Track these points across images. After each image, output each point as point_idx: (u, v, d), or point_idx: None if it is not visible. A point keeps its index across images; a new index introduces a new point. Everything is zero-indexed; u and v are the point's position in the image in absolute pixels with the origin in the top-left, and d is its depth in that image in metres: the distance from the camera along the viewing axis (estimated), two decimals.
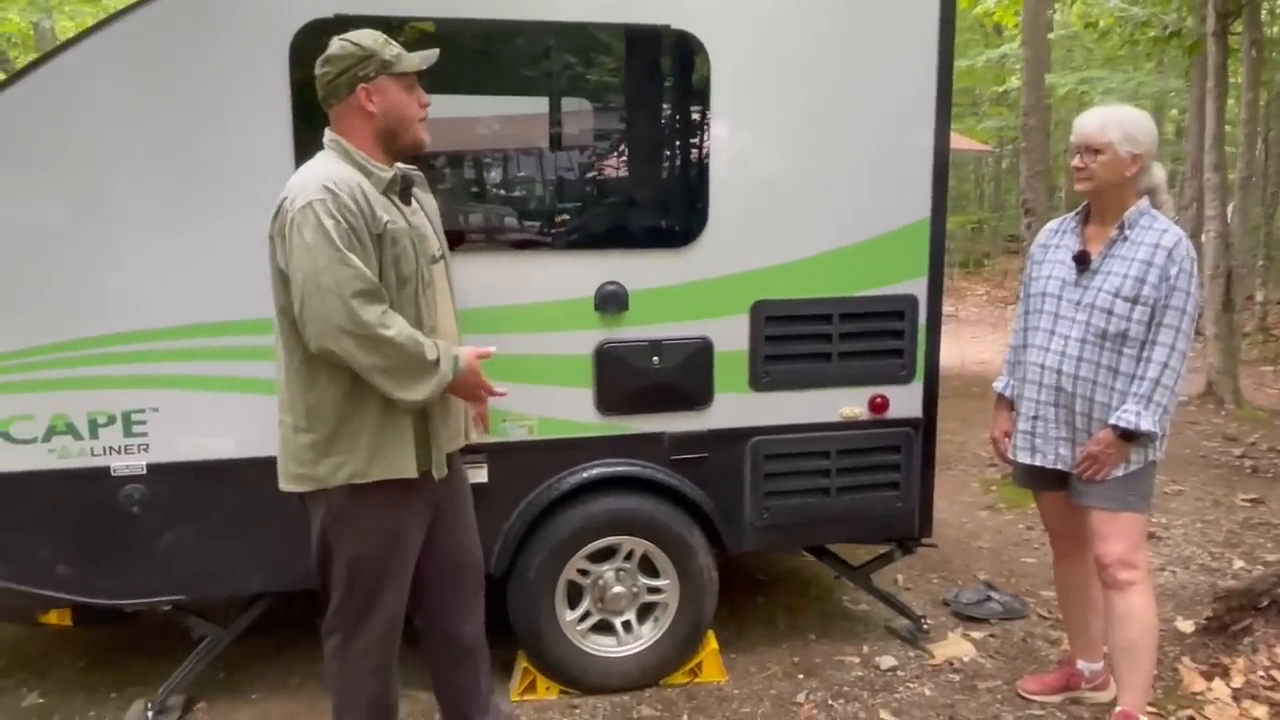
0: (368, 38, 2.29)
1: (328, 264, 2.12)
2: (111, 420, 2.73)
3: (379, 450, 2.29)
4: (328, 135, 2.33)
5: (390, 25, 2.78)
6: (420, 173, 2.55)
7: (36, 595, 2.78)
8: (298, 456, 2.30)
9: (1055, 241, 2.86)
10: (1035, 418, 2.84)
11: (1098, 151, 2.65)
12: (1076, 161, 2.71)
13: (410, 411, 2.30)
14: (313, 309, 2.13)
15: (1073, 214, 2.86)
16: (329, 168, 2.23)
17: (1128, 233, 2.67)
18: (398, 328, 2.18)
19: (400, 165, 2.41)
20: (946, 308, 12.95)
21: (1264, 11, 11.03)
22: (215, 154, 2.70)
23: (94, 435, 2.73)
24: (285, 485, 2.35)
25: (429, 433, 2.36)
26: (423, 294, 2.32)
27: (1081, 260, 2.73)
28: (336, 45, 2.29)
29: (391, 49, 2.30)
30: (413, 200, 2.43)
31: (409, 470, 2.32)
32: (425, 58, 2.34)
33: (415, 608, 2.58)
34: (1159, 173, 2.73)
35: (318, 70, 2.30)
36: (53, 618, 3.02)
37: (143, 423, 2.75)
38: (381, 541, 2.38)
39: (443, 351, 2.25)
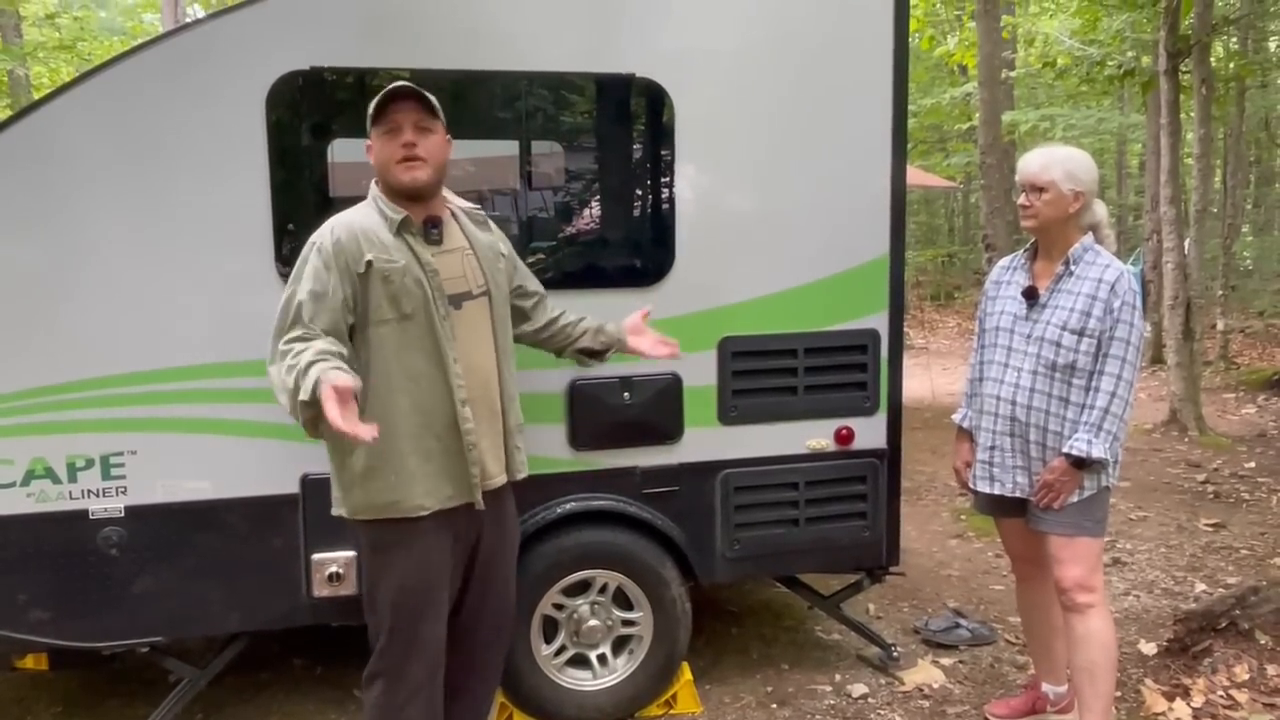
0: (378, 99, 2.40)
1: (289, 297, 2.34)
2: (90, 463, 2.77)
3: (390, 486, 2.38)
4: (372, 184, 2.50)
5: (365, 77, 2.89)
6: (481, 211, 2.63)
7: (13, 640, 2.79)
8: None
9: (1007, 278, 2.98)
10: (993, 448, 2.94)
11: (1042, 190, 2.78)
12: (1022, 200, 2.84)
13: (415, 447, 2.38)
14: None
15: (1022, 251, 2.98)
16: (353, 211, 2.44)
17: (1073, 268, 2.79)
18: (285, 362, 2.23)
19: (460, 204, 2.58)
20: (917, 340, 13.02)
21: (1219, 49, 11.41)
22: (194, 201, 2.76)
23: (72, 479, 2.76)
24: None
25: (467, 459, 2.41)
26: (440, 328, 2.38)
27: (1030, 295, 2.85)
28: None
29: (372, 104, 2.40)
30: (444, 240, 2.47)
31: (409, 509, 2.38)
32: (375, 102, 2.39)
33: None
34: (1100, 210, 2.86)
35: None
36: (29, 662, 3.01)
37: (121, 465, 2.78)
38: (422, 572, 2.43)
39: (306, 381, 2.15)
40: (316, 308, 2.31)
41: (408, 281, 2.36)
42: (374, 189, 2.48)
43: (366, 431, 2.07)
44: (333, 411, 2.04)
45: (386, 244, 2.37)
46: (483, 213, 2.63)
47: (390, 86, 2.39)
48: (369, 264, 2.33)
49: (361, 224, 2.38)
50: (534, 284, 2.76)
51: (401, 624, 2.43)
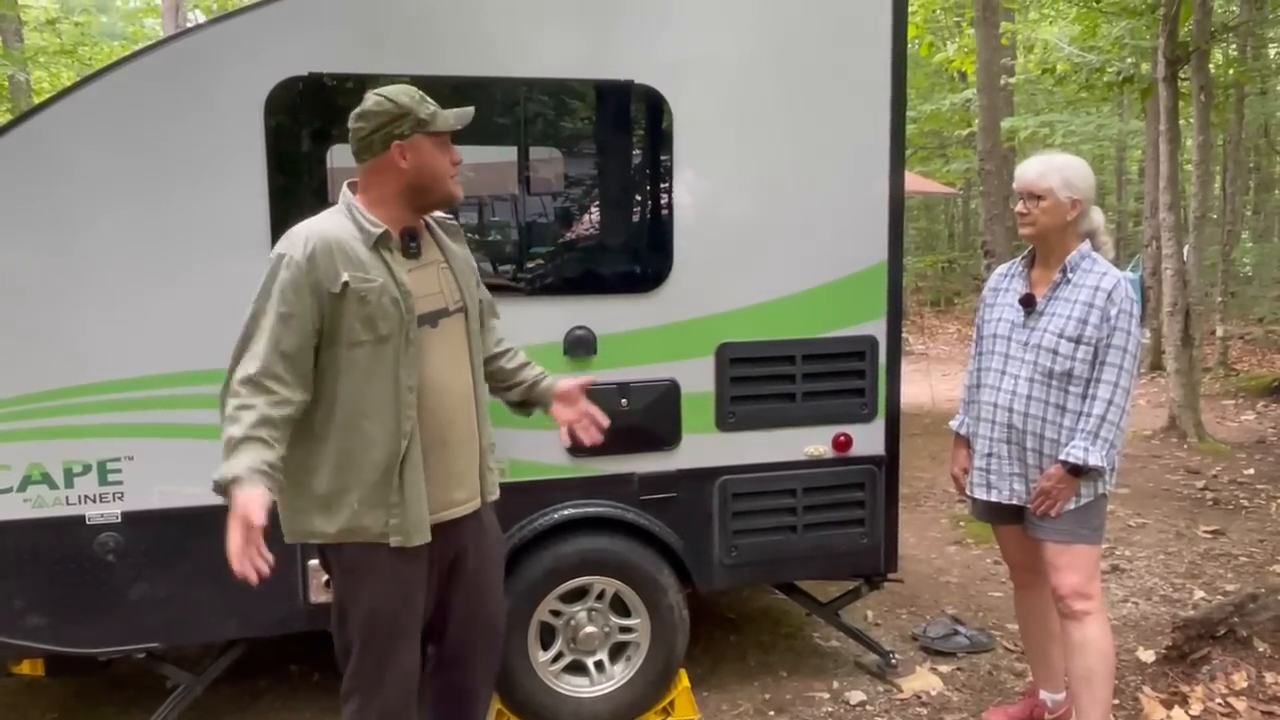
0: (404, 95, 2.27)
1: (254, 314, 2.19)
2: (87, 469, 2.77)
3: (353, 513, 2.27)
4: (345, 188, 2.35)
5: (364, 83, 2.89)
6: (454, 221, 2.52)
7: (9, 645, 2.78)
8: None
9: (1004, 285, 2.98)
10: (989, 455, 2.93)
11: (1039, 198, 2.78)
12: (1020, 208, 2.84)
13: (386, 472, 2.26)
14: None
15: (1019, 258, 2.99)
16: (325, 220, 2.27)
17: (1070, 275, 2.79)
18: (230, 410, 2.14)
19: (436, 215, 2.45)
20: (917, 346, 13.03)
21: (1218, 56, 11.43)
22: (192, 207, 2.77)
23: (69, 484, 2.76)
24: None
25: (404, 498, 2.27)
26: (403, 353, 2.25)
27: (1027, 303, 2.86)
28: (372, 101, 2.27)
29: (428, 107, 2.29)
30: (423, 254, 2.36)
31: (371, 536, 2.27)
32: (460, 117, 2.33)
33: (430, 658, 2.54)
34: (1097, 216, 2.86)
35: (351, 125, 2.29)
36: (25, 668, 3.02)
37: (118, 471, 2.78)
38: (394, 595, 2.32)
39: (229, 464, 2.09)
40: (283, 330, 2.17)
41: (384, 301, 2.22)
42: (348, 195, 2.32)
43: (254, 572, 2.04)
44: (235, 542, 2.02)
45: (363, 260, 2.22)
46: (456, 223, 2.52)
47: (468, 111, 2.34)
48: (345, 285, 2.18)
49: (336, 236, 2.22)
50: (490, 306, 2.62)
51: (372, 644, 2.33)
